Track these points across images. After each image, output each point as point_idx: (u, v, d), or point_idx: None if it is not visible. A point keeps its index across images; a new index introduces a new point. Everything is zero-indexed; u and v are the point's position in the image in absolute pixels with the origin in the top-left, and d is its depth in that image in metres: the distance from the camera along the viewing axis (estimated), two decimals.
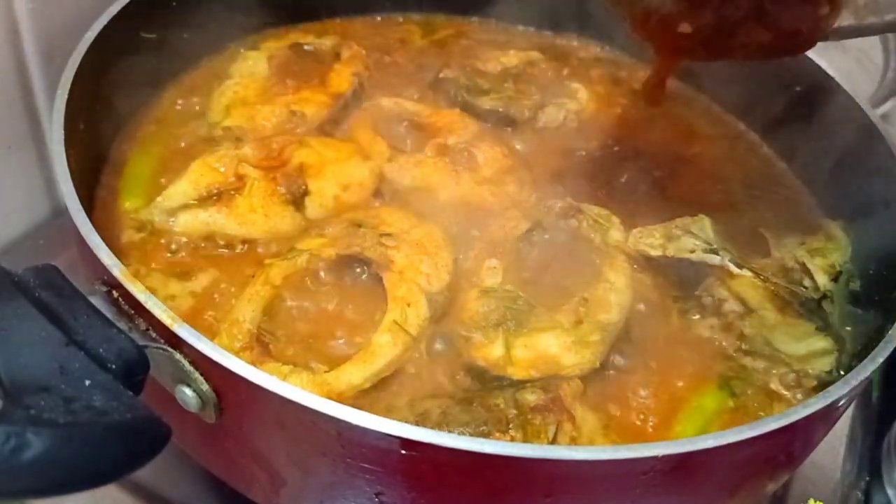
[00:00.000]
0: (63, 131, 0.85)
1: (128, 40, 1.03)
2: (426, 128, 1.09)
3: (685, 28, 0.80)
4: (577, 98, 1.19)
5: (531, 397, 0.78)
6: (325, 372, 0.79)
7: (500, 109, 1.14)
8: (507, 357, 0.83)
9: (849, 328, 0.92)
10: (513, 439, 0.74)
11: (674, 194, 1.08)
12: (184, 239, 0.92)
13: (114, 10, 1.00)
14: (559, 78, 1.23)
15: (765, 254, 0.96)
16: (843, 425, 1.11)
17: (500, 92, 1.17)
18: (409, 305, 0.83)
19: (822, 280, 0.92)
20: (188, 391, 0.70)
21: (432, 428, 0.73)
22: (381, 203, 1.00)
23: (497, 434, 0.74)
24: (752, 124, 1.22)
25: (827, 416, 0.80)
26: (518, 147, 1.12)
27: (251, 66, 1.13)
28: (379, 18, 1.34)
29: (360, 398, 0.79)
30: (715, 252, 0.91)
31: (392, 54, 1.26)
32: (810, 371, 0.87)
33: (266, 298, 0.84)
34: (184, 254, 0.92)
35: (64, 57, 0.92)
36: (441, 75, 1.19)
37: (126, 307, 0.71)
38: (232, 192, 0.93)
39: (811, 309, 0.90)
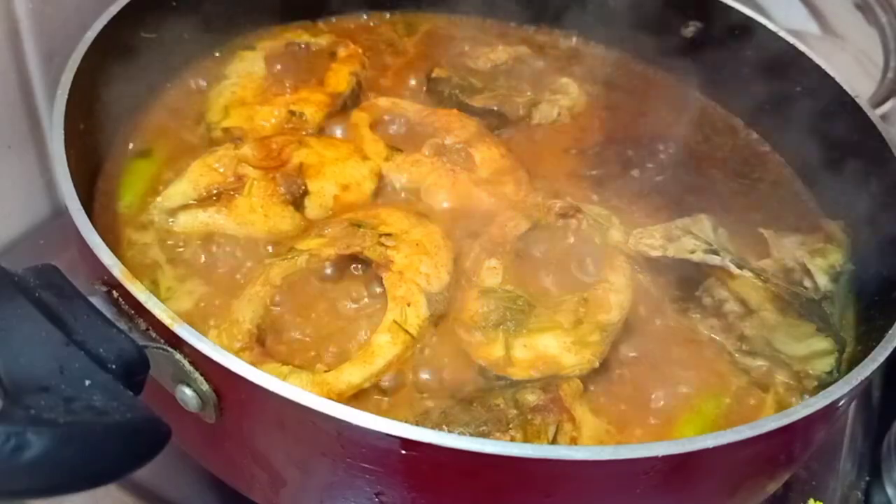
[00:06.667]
0: (63, 131, 0.84)
1: (128, 40, 1.03)
2: (424, 127, 1.09)
3: None
4: (568, 93, 1.19)
5: (531, 397, 0.78)
6: (325, 372, 0.79)
7: (494, 108, 1.14)
8: (507, 357, 0.83)
9: (849, 328, 0.92)
10: (513, 439, 0.74)
11: (673, 193, 1.07)
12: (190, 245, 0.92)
13: (114, 10, 1.00)
14: (549, 73, 1.22)
15: (765, 254, 0.95)
16: (842, 425, 1.11)
17: (493, 90, 1.16)
18: (408, 305, 0.83)
19: (823, 280, 0.92)
20: (188, 391, 0.70)
21: (432, 428, 0.73)
22: (380, 203, 1.00)
23: (497, 434, 0.74)
24: (752, 124, 1.22)
25: (827, 416, 0.80)
26: (514, 146, 1.11)
27: (248, 66, 1.13)
28: (363, 17, 1.33)
29: (359, 398, 0.79)
30: (715, 252, 0.91)
31: (382, 54, 1.26)
32: (811, 371, 0.87)
33: (266, 298, 0.84)
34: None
35: (64, 57, 0.92)
36: (433, 75, 1.18)
37: (126, 307, 0.71)
38: (231, 193, 0.93)
39: (812, 309, 0.90)
